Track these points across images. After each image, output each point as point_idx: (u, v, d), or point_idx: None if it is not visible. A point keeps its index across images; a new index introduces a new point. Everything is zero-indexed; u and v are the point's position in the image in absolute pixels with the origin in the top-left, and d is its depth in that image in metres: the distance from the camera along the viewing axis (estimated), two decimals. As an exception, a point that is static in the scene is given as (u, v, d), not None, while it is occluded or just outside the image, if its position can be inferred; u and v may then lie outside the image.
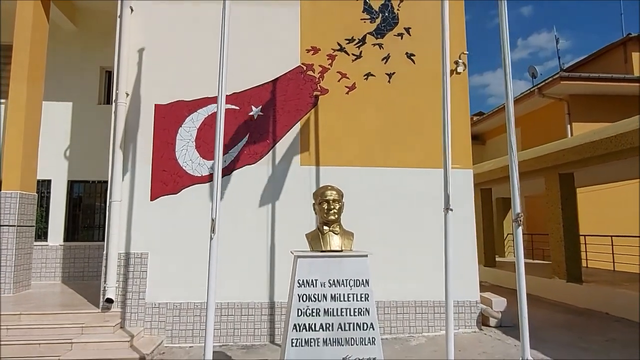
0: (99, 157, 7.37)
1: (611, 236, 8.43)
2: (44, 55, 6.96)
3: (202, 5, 5.63)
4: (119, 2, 5.61)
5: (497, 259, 10.67)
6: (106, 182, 7.53)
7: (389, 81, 5.69)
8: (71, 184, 7.69)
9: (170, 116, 5.47)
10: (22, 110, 6.38)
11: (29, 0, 6.67)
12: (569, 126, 11.12)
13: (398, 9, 5.84)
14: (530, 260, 10.71)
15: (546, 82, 10.96)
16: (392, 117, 5.62)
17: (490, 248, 10.10)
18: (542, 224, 11.10)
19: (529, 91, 11.69)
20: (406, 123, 5.62)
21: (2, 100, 7.80)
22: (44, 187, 7.49)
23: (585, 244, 9.05)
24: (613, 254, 8.28)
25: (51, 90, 7.49)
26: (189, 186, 5.31)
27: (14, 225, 6.02)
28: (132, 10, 5.62)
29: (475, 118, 15.68)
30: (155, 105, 5.49)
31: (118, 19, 5.59)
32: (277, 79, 5.58)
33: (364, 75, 5.67)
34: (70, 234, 7.60)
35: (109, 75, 8.18)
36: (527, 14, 52.70)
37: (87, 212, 7.82)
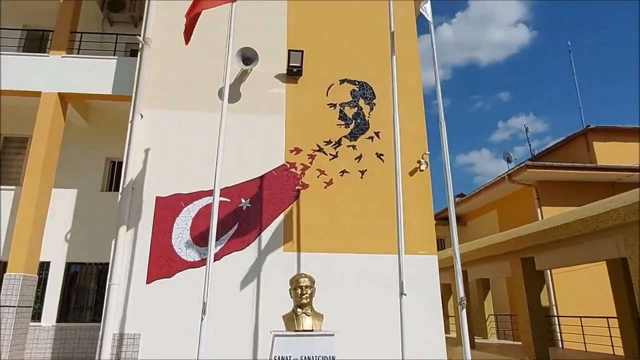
0: (98, 240, 8.12)
1: (580, 317, 9.02)
2: (58, 149, 8.00)
3: (201, 114, 6.76)
4: (131, 109, 6.75)
5: (478, 340, 11.04)
6: (102, 264, 8.26)
7: (361, 177, 6.70)
8: (69, 266, 8.31)
9: (169, 207, 6.34)
10: (33, 199, 7.25)
11: (50, 101, 7.86)
12: (539, 210, 12.13)
13: (369, 116, 7.03)
14: (511, 342, 11.08)
15: (514, 169, 12.19)
16: (364, 208, 6.54)
17: (468, 329, 10.51)
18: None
19: (499, 177, 12.88)
20: (376, 213, 6.52)
21: (10, 187, 8.70)
22: (42, 268, 8.09)
23: (559, 324, 9.57)
24: (583, 334, 8.80)
25: (59, 178, 8.36)
26: (183, 270, 6.02)
27: (14, 306, 6.57)
28: (142, 116, 6.74)
29: (457, 199, 16.78)
30: (156, 197, 6.38)
31: (129, 124, 6.67)
32: (264, 175, 6.57)
33: (340, 172, 6.68)
34: (63, 314, 8.06)
35: (113, 165, 9.19)
36: (506, 99, 57.07)
37: (81, 293, 8.35)
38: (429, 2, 5.45)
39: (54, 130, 7.82)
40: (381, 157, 6.81)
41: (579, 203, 9.84)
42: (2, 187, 8.62)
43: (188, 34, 5.48)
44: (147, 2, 7.49)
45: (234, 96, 6.82)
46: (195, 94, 6.95)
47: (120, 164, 9.06)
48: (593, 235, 6.33)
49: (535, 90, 53.32)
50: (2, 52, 8.25)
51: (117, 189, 8.83)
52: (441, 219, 15.22)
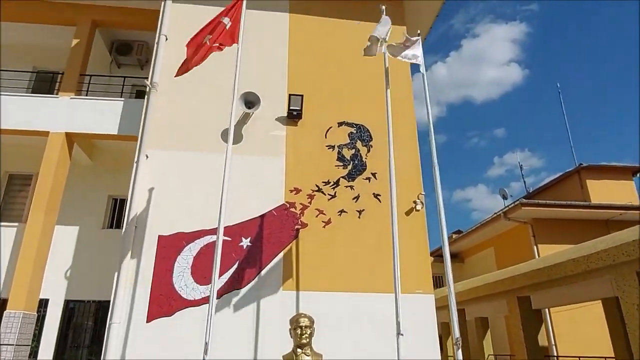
0: (97, 277, 8.20)
1: (579, 357, 9.02)
2: (62, 187, 8.22)
3: (204, 154, 7.06)
4: (137, 150, 7.04)
5: (479, 380, 10.94)
6: (100, 301, 8.31)
7: (359, 217, 6.92)
8: (67, 303, 8.36)
9: (170, 246, 6.52)
10: (36, 237, 7.41)
11: (58, 140, 8.16)
12: (535, 247, 12.30)
13: (366, 158, 7.34)
14: (512, 383, 10.97)
15: (509, 207, 12.44)
16: (362, 247, 6.73)
17: (470, 369, 10.46)
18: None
19: (495, 215, 13.11)
20: (374, 253, 6.70)
21: (13, 224, 8.87)
22: (41, 306, 8.12)
23: (559, 365, 9.53)
24: (581, 374, 8.80)
25: (61, 215, 8.51)
26: (183, 309, 6.12)
27: (13, 344, 6.61)
28: (147, 157, 7.02)
29: (454, 236, 16.93)
30: (158, 236, 6.56)
31: (135, 164, 6.95)
32: (264, 214, 6.79)
33: (338, 212, 6.92)
34: (60, 353, 8.04)
35: (115, 202, 9.40)
36: (501, 135, 58.10)
37: (78, 331, 8.35)
38: (419, 48, 5.86)
39: (59, 168, 8.08)
40: (378, 197, 7.07)
41: (575, 241, 10.02)
42: (5, 224, 8.77)
43: (184, 69, 5.80)
44: (154, 47, 7.94)
45: (237, 138, 7.13)
46: (198, 135, 7.27)
47: (122, 201, 9.32)
48: (586, 275, 6.52)
49: (530, 127, 54.47)
50: (12, 93, 8.66)
51: (118, 227, 9.07)
52: (439, 255, 15.31)
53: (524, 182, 15.75)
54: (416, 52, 5.76)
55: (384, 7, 6.35)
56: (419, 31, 6.29)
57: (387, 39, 5.86)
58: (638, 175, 15.17)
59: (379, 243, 6.76)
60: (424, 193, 7.15)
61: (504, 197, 17.74)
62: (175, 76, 5.96)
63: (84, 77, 9.14)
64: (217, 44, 5.78)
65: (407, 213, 6.91)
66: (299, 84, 7.68)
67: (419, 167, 7.38)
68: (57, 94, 8.93)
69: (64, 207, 8.64)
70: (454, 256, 16.87)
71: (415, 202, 7.00)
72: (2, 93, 8.50)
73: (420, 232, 6.89)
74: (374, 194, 7.09)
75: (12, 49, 10.40)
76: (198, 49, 5.71)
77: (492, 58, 54.52)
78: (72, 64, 8.94)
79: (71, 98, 8.55)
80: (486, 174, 58.64)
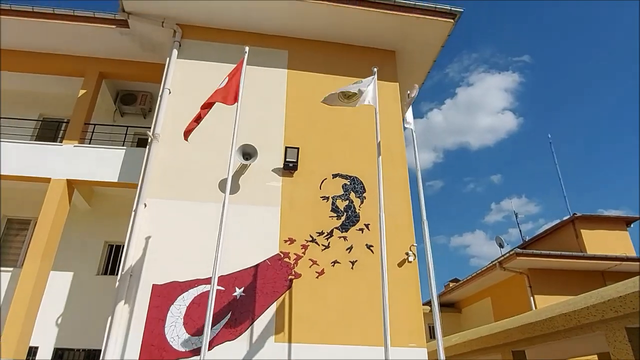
0: (88, 325, 8.19)
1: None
2: (60, 233, 8.36)
3: (201, 204, 7.29)
4: (136, 199, 7.26)
5: None
6: (90, 350, 8.24)
7: (352, 268, 7.06)
8: (56, 351, 8.27)
9: (164, 295, 6.59)
10: (31, 283, 7.47)
11: (59, 187, 8.39)
12: (532, 298, 12.30)
13: (359, 209, 7.57)
14: None
15: (505, 257, 12.55)
16: (354, 299, 6.81)
17: None
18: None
19: (491, 264, 13.19)
20: (366, 305, 6.77)
21: (8, 268, 8.93)
22: (30, 354, 8.03)
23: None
24: None
25: (56, 260, 8.60)
26: (173, 361, 6.12)
27: (-2, 397, 6.52)
28: (145, 205, 7.24)
29: (451, 285, 16.87)
30: (153, 285, 6.65)
31: (133, 212, 7.15)
32: (258, 264, 6.92)
33: (331, 263, 7.05)
34: (44, 405, 7.86)
35: (111, 248, 9.51)
36: (497, 182, 58.73)
37: (65, 382, 8.20)
38: (410, 111, 6.25)
39: (58, 215, 8.25)
40: (371, 248, 7.23)
41: (572, 291, 10.07)
42: (3, 268, 8.84)
43: (189, 132, 6.16)
44: (158, 100, 8.35)
45: (234, 188, 7.39)
46: (196, 185, 7.52)
47: (118, 247, 9.44)
48: (578, 330, 6.56)
49: (526, 174, 55.22)
50: (17, 140, 9.00)
51: (112, 273, 9.15)
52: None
53: (520, 230, 16.04)
54: (406, 115, 6.14)
55: (376, 69, 6.80)
56: (408, 91, 6.71)
57: (376, 105, 6.25)
58: (632, 225, 15.38)
59: (371, 295, 6.84)
60: (415, 244, 7.32)
61: (501, 246, 17.83)
62: (185, 139, 6.27)
63: (88, 126, 9.51)
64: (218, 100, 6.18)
65: (400, 264, 7.05)
66: (296, 136, 8.04)
67: (410, 219, 7.59)
68: (61, 141, 9.27)
69: (59, 252, 8.69)
70: (450, 305, 16.74)
71: (407, 253, 7.15)
72: (8, 140, 8.84)
73: (413, 284, 6.99)
74: (366, 245, 7.26)
75: (20, 96, 10.87)
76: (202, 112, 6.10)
77: (487, 106, 56.16)
78: (78, 113, 9.34)
79: (74, 146, 8.87)
80: (484, 220, 58.74)
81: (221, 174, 7.60)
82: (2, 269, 8.91)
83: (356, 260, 7.11)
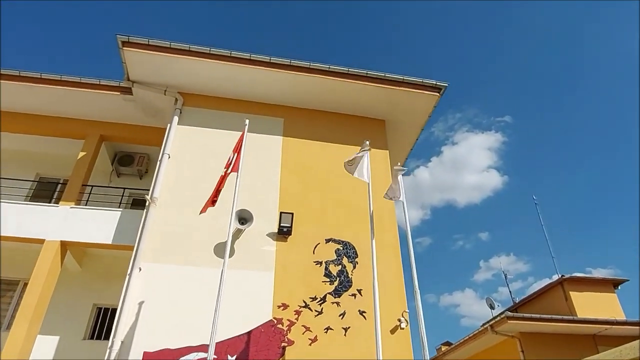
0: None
1: None
2: (50, 296, 8.30)
3: (193, 269, 7.40)
4: (131, 263, 7.36)
5: None
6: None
7: (345, 335, 7.11)
8: None
9: (155, 363, 6.53)
10: (17, 349, 7.33)
11: (52, 248, 8.43)
12: (525, 363, 12.18)
13: (352, 274, 7.75)
14: None
15: (496, 321, 12.56)
16: (348, 367, 6.81)
17: None
18: None
19: (483, 328, 13.16)
20: (360, 373, 6.77)
21: (-9, 332, 8.73)
22: None
23: None
24: None
25: (43, 324, 8.50)
26: None
27: None
28: (140, 269, 7.33)
29: (443, 348, 16.61)
30: (144, 352, 6.59)
31: (127, 276, 7.23)
32: (251, 331, 6.95)
33: (324, 329, 7.11)
34: None
35: (99, 311, 9.39)
36: (485, 239, 59.07)
37: None
38: (401, 183, 6.63)
39: (49, 276, 8.23)
40: (363, 314, 7.33)
41: (564, 355, 10.05)
42: (-17, 332, 8.64)
43: (207, 206, 6.46)
44: (157, 164, 8.68)
45: (229, 252, 7.53)
46: (191, 249, 7.67)
47: (106, 310, 9.34)
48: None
49: (513, 232, 55.75)
50: (12, 201, 9.14)
51: (100, 337, 8.99)
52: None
53: (510, 292, 16.04)
54: (397, 187, 6.53)
55: (368, 142, 7.28)
56: (399, 163, 7.16)
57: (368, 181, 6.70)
58: (619, 287, 15.61)
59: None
60: (407, 311, 7.45)
61: (492, 307, 17.81)
62: (200, 213, 6.56)
63: (85, 187, 9.72)
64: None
65: (392, 331, 7.13)
66: (290, 201, 8.36)
67: (402, 284, 7.77)
68: (57, 202, 9.44)
69: (46, 315, 8.61)
70: (444, 370, 16.35)
71: (399, 320, 7.26)
72: (3, 200, 8.98)
73: (405, 352, 7.04)
74: (359, 310, 7.36)
75: (16, 155, 11.08)
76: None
77: (472, 164, 57.75)
78: (76, 174, 9.59)
79: (71, 207, 9.03)
80: (473, 278, 58.30)
81: (216, 239, 7.78)
82: (-15, 332, 8.71)
83: (349, 327, 7.18)
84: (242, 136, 7.04)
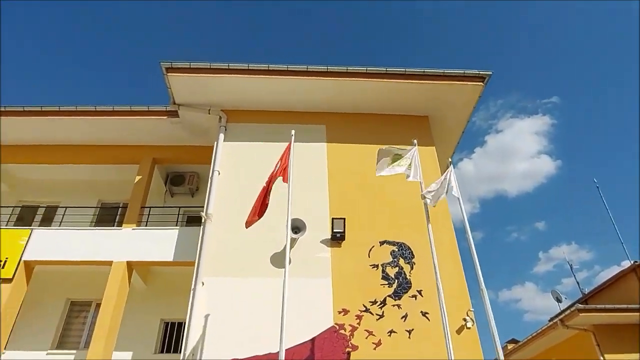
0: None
1: None
2: (121, 314, 8.79)
3: (253, 280, 7.58)
4: (194, 278, 7.66)
5: None
6: None
7: (409, 337, 7.03)
8: None
9: (225, 374, 6.74)
10: (96, 366, 7.81)
11: (120, 269, 8.93)
12: (602, 358, 11.50)
13: (410, 275, 7.66)
14: None
15: (566, 314, 11.95)
16: (415, 370, 6.72)
17: None
18: None
19: (552, 323, 12.55)
20: (428, 376, 6.66)
21: (71, 351, 9.34)
22: None
23: None
24: None
25: (117, 340, 8.98)
26: None
27: None
28: (203, 284, 7.61)
29: (509, 347, 16.00)
30: (213, 364, 6.84)
31: (192, 291, 7.52)
32: (314, 338, 7.02)
33: (388, 332, 7.07)
34: None
35: (167, 326, 9.82)
36: (542, 229, 56.05)
37: None
38: (454, 179, 6.50)
39: (120, 295, 8.73)
40: (426, 315, 7.22)
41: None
42: (64, 351, 9.27)
43: (252, 219, 6.61)
44: (209, 181, 9.01)
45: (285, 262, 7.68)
46: (248, 261, 7.88)
47: (173, 325, 9.75)
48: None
49: (572, 218, 52.80)
50: (79, 228, 9.78)
51: (169, 351, 9.38)
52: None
53: (578, 282, 15.21)
54: (452, 182, 6.41)
55: (416, 141, 7.21)
56: (449, 159, 7.03)
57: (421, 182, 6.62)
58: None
59: (432, 364, 6.74)
60: (472, 309, 7.25)
61: (558, 300, 16.98)
62: (247, 227, 6.73)
63: (143, 209, 10.23)
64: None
65: (458, 331, 6.97)
66: (340, 207, 8.40)
67: (464, 282, 7.58)
68: (119, 225, 10.00)
69: (119, 332, 9.09)
70: (513, 369, 15.72)
71: (465, 319, 7.09)
72: (73, 228, 9.65)
73: (474, 351, 6.85)
74: (421, 312, 7.26)
75: (79, 184, 11.84)
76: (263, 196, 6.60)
77: (520, 151, 55.31)
78: (134, 197, 10.13)
79: (132, 229, 9.54)
80: (533, 271, 55.73)
81: (271, 250, 7.95)
82: (65, 351, 9.33)
83: (413, 329, 7.10)
84: (288, 146, 7.17)
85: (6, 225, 10.59)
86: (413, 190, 8.06)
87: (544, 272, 53.83)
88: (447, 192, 6.73)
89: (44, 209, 11.64)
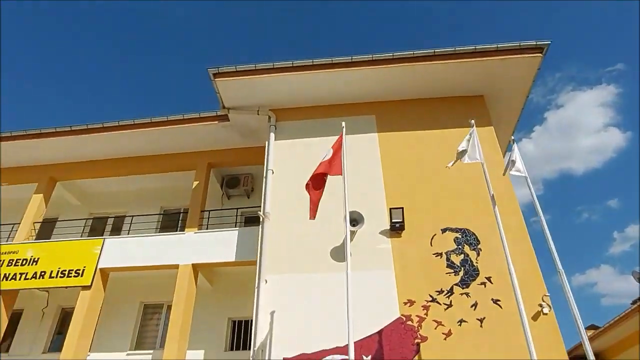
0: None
1: None
2: (191, 314, 9.16)
3: (315, 275, 7.60)
4: (257, 276, 7.81)
5: None
6: None
7: (481, 326, 6.76)
8: None
9: (295, 368, 6.82)
10: (173, 365, 8.19)
11: (186, 272, 9.30)
12: (699, 342, 10.52)
13: (477, 262, 7.36)
14: None
15: (651, 295, 11.04)
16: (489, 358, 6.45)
17: None
18: None
19: (635, 306, 11.65)
20: (505, 366, 6.37)
21: (148, 351, 9.88)
22: None
23: None
24: None
25: (189, 340, 9.36)
26: None
27: None
28: (266, 282, 7.74)
29: (589, 333, 15.03)
30: (283, 358, 6.93)
31: (256, 289, 7.68)
32: (381, 330, 6.93)
33: (458, 322, 6.84)
34: None
35: (234, 325, 10.12)
36: (616, 207, 51.95)
37: None
38: (519, 157, 6.16)
39: (188, 297, 9.10)
40: (498, 302, 6.91)
41: None
42: (142, 351, 9.82)
43: (314, 209, 6.59)
44: (263, 181, 9.15)
45: (345, 255, 7.64)
46: (308, 257, 7.91)
47: (240, 323, 10.04)
48: None
49: (654, 189, 48.50)
50: (145, 234, 10.28)
51: (238, 348, 9.66)
52: (575, 358, 13.57)
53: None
54: (517, 162, 6.07)
55: (472, 120, 6.90)
56: (512, 137, 6.67)
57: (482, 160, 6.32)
58: None
59: (509, 353, 6.44)
60: (548, 294, 6.86)
61: (640, 281, 15.73)
62: (310, 218, 6.74)
63: (203, 212, 10.59)
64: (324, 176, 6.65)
65: (534, 318, 6.61)
66: (397, 196, 8.24)
67: (536, 266, 7.19)
68: (182, 229, 10.41)
69: (190, 332, 9.47)
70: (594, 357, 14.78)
71: (541, 305, 6.71)
72: (140, 235, 10.18)
73: (553, 338, 6.47)
74: (492, 299, 6.96)
75: (142, 193, 12.51)
76: (317, 187, 6.58)
77: (585, 126, 51.69)
78: (194, 202, 10.51)
79: (195, 232, 9.91)
80: (608, 252, 52.06)
81: (329, 244, 7.94)
82: (143, 351, 9.88)
83: (484, 318, 6.82)
84: (340, 138, 7.10)
85: (80, 237, 11.37)
86: (473, 174, 7.75)
87: (621, 253, 50.13)
88: (508, 170, 6.37)
89: (113, 219, 12.36)
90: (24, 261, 10.03)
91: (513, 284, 5.42)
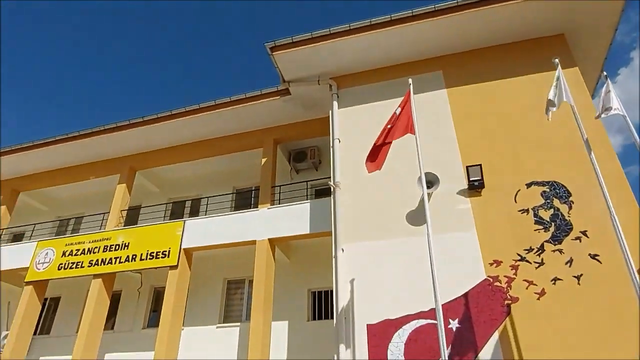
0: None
1: None
2: (272, 287, 9.49)
3: (393, 241, 7.48)
4: (333, 246, 7.86)
5: None
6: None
7: (578, 283, 6.29)
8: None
9: (379, 334, 6.84)
10: (260, 333, 8.58)
11: (263, 247, 9.61)
12: None
13: (569, 216, 6.82)
14: None
15: None
16: (589, 317, 5.99)
17: None
18: None
19: None
20: (608, 323, 5.89)
21: (235, 324, 10.43)
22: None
23: None
24: None
25: (273, 312, 9.74)
26: (405, 401, 6.21)
27: None
28: (343, 250, 7.77)
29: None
30: (367, 325, 6.97)
31: (333, 259, 7.73)
32: (467, 292, 6.70)
33: (552, 280, 6.42)
34: None
35: (314, 295, 10.36)
36: None
37: None
38: (613, 96, 5.52)
39: (268, 271, 9.42)
40: (596, 257, 6.38)
41: None
42: (230, 324, 10.41)
43: (379, 163, 6.43)
44: (331, 151, 9.08)
45: (423, 219, 7.42)
46: (384, 223, 7.79)
47: (319, 294, 10.25)
48: None
49: None
50: (222, 214, 10.71)
51: (320, 318, 9.89)
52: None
53: None
54: (611, 101, 5.45)
55: (557, 60, 6.28)
56: (605, 73, 5.98)
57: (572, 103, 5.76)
58: None
59: (614, 311, 5.96)
60: (657, 245, 6.19)
61: None
62: (370, 172, 6.62)
63: (274, 188, 10.81)
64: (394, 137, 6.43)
65: (640, 272, 6.02)
66: (474, 153, 7.80)
67: (638, 215, 6.51)
68: (256, 206, 10.73)
69: (273, 304, 9.85)
70: None
71: (650, 259, 6.08)
72: (217, 215, 10.64)
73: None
74: (590, 254, 6.43)
75: (215, 175, 13.05)
76: (382, 146, 6.40)
77: (685, 59, 45.52)
78: (264, 179, 10.74)
79: (267, 209, 10.16)
80: None
81: (405, 208, 7.76)
82: (231, 324, 10.46)
83: (581, 274, 6.34)
84: (407, 95, 6.80)
85: (162, 220, 12.13)
86: (557, 121, 7.09)
87: None
88: (603, 112, 5.75)
89: (190, 202, 13.04)
90: (117, 247, 10.92)
91: (618, 236, 4.94)
